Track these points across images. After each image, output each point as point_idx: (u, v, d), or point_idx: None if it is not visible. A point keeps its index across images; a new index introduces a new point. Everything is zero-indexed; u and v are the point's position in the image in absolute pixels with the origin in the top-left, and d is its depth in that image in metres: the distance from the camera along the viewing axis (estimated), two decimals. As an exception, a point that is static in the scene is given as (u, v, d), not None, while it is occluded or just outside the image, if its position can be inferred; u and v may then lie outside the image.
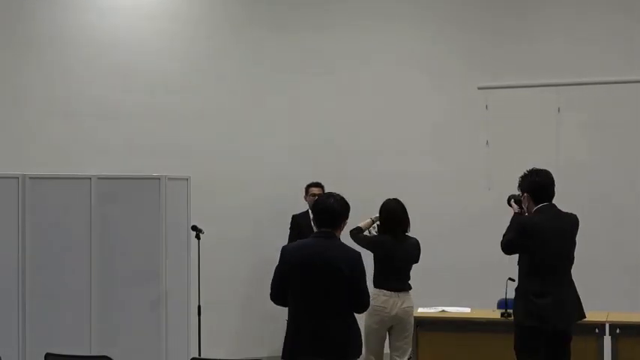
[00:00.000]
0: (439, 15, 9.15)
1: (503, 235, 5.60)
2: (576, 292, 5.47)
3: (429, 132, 9.04)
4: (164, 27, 8.95)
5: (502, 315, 6.39)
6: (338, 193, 5.02)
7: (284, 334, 5.04)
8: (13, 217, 6.50)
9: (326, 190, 8.39)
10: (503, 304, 6.38)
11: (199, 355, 7.29)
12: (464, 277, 8.56)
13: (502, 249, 5.58)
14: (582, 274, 8.44)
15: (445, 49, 9.11)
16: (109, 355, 4.99)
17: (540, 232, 5.32)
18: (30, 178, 6.60)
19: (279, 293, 4.91)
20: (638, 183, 8.63)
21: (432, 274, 8.44)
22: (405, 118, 9.05)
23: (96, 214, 6.67)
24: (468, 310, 6.83)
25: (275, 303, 4.97)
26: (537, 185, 5.42)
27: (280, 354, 4.96)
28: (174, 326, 6.85)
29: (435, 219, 8.79)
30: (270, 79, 9.16)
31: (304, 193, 8.67)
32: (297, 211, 8.65)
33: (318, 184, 8.61)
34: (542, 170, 5.49)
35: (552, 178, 5.48)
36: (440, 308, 6.82)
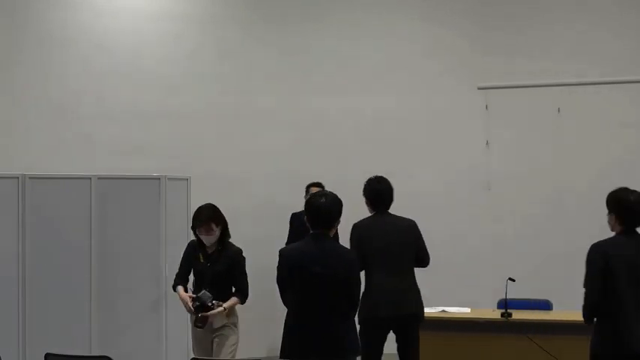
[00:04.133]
0: (439, 15, 9.15)
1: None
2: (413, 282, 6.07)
3: (429, 132, 9.03)
4: (165, 27, 8.95)
5: (502, 315, 6.39)
6: (333, 191, 5.06)
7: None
8: (13, 217, 6.51)
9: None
10: (503, 304, 6.38)
11: (199, 355, 7.29)
12: (464, 277, 8.56)
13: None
14: (583, 274, 8.49)
15: (445, 49, 9.11)
16: (109, 355, 4.99)
17: (368, 232, 5.96)
18: (30, 178, 6.60)
19: (284, 295, 4.95)
20: (638, 183, 8.62)
21: (431, 274, 8.44)
22: (405, 118, 9.05)
23: (96, 214, 6.67)
24: (467, 310, 6.82)
25: (285, 305, 4.99)
26: (375, 192, 6.11)
27: (279, 354, 4.97)
28: (174, 326, 6.84)
29: (435, 219, 8.79)
30: (271, 79, 9.16)
31: (305, 193, 8.68)
32: (298, 211, 8.67)
33: (318, 184, 8.62)
34: (381, 177, 6.19)
35: (390, 185, 6.17)
36: (440, 308, 6.82)
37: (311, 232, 4.93)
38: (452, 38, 9.13)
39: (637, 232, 5.03)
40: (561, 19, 8.89)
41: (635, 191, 5.22)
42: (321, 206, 4.89)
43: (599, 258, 4.81)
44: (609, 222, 5.07)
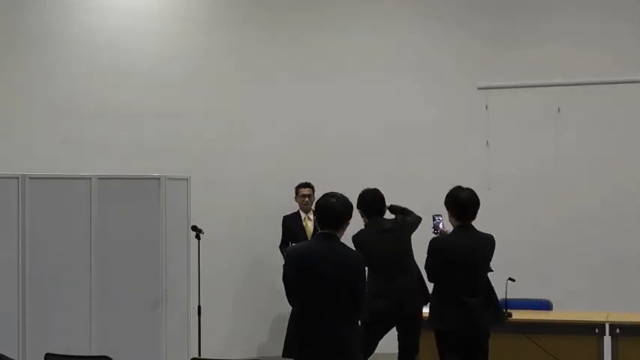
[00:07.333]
0: (440, 15, 9.15)
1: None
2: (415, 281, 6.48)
3: (429, 132, 9.03)
4: (164, 27, 8.96)
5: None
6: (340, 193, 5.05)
7: (283, 334, 5.05)
8: (13, 217, 6.50)
9: (316, 191, 8.42)
10: (503, 303, 6.38)
11: (199, 355, 7.29)
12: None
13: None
14: (583, 274, 8.50)
15: (446, 49, 9.10)
16: (109, 355, 4.99)
17: (368, 238, 6.45)
18: (30, 178, 6.59)
19: (290, 294, 4.95)
20: (638, 183, 8.63)
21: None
22: (405, 118, 9.05)
23: (96, 214, 6.67)
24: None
25: (290, 304, 5.01)
26: (365, 200, 6.70)
27: (279, 354, 4.97)
28: (174, 326, 6.84)
29: (435, 219, 8.80)
30: (270, 80, 9.16)
31: (294, 194, 8.67)
32: (289, 213, 8.68)
33: (307, 185, 8.62)
34: (374, 190, 6.79)
35: (381, 194, 6.76)
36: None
37: (320, 231, 4.94)
38: (452, 38, 9.12)
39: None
40: (562, 19, 8.89)
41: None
42: (331, 207, 4.89)
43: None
44: None
